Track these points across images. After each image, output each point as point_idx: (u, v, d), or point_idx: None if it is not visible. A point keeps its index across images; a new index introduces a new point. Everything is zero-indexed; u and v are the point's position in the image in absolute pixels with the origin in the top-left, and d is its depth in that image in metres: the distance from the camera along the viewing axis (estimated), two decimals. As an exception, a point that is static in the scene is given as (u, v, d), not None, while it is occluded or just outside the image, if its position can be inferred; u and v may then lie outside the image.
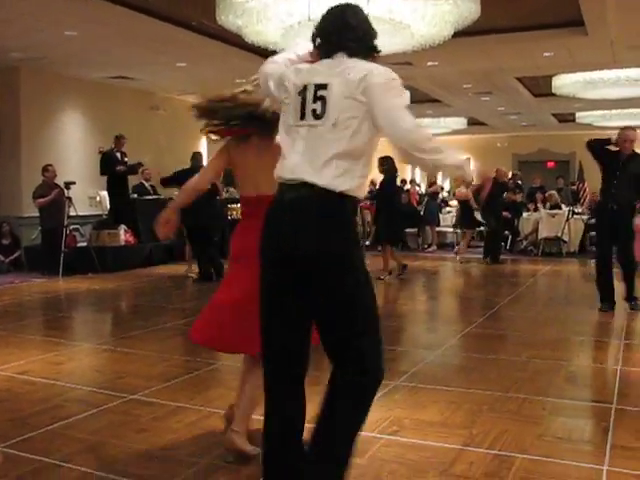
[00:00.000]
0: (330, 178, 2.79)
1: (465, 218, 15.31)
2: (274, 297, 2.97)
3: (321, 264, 2.82)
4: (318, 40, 3.08)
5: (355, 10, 3.11)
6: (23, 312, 9.06)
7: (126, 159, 13.70)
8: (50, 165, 12.62)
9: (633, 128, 8.54)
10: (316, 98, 2.85)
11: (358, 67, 2.88)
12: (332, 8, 3.13)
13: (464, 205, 15.26)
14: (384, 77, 2.86)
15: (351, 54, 2.96)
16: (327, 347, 2.94)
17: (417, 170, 26.86)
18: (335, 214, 2.84)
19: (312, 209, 2.82)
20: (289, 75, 3.01)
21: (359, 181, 2.89)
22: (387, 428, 4.21)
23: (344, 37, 2.99)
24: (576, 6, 9.57)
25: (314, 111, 2.85)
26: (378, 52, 3.07)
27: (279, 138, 3.00)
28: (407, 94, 2.94)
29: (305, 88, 2.88)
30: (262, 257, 2.98)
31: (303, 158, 2.84)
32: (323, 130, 2.83)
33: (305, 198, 2.81)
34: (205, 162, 11.93)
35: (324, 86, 2.84)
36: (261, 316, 3.02)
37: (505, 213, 15.69)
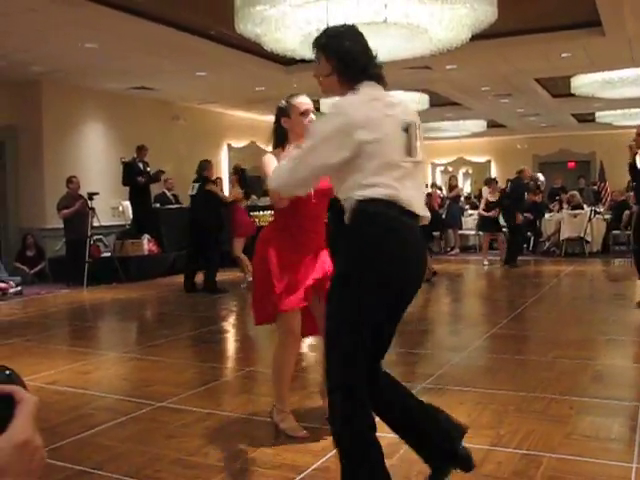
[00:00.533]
0: None
1: (484, 222, 15.19)
2: (390, 319, 3.05)
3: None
4: (353, 64, 3.07)
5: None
6: (49, 323, 9.15)
7: (148, 169, 13.80)
8: (74, 176, 12.76)
9: None
10: (417, 137, 2.97)
11: (407, 104, 3.17)
12: (355, 29, 3.19)
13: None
14: None
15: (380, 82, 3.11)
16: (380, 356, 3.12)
17: (437, 174, 26.87)
18: None
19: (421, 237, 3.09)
20: (378, 109, 2.96)
21: None
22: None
23: (375, 63, 3.16)
24: (593, 6, 9.55)
25: (416, 149, 2.95)
26: None
27: (373, 172, 2.89)
28: None
29: (409, 125, 2.95)
30: (393, 281, 2.94)
31: (415, 193, 2.98)
32: (420, 167, 3.05)
33: (419, 228, 3.02)
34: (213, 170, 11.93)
35: (417, 125, 3.00)
36: (369, 333, 2.96)
37: (527, 214, 15.66)
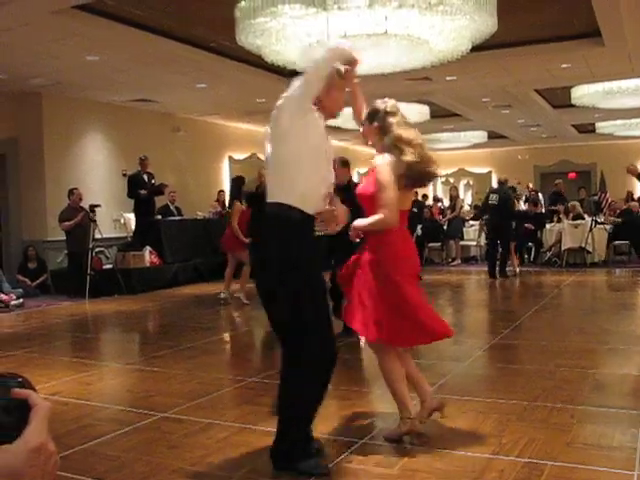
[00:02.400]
0: None
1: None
2: None
3: None
4: None
5: None
6: (52, 334, 9.15)
7: (153, 180, 13.86)
8: (75, 188, 12.80)
9: None
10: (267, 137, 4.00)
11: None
12: None
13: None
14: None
15: None
16: None
17: (438, 185, 26.89)
18: None
19: None
20: None
21: None
22: (417, 439, 4.24)
23: None
24: (592, 18, 9.59)
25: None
26: None
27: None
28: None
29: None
30: None
31: None
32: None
33: None
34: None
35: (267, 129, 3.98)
36: None
37: (528, 225, 15.67)
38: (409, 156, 4.05)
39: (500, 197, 14.02)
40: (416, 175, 4.13)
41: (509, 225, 14.20)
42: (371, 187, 4.12)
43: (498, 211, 14.03)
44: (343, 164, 7.81)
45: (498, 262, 14.01)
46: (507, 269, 14.14)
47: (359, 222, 4.15)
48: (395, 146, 4.10)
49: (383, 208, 4.00)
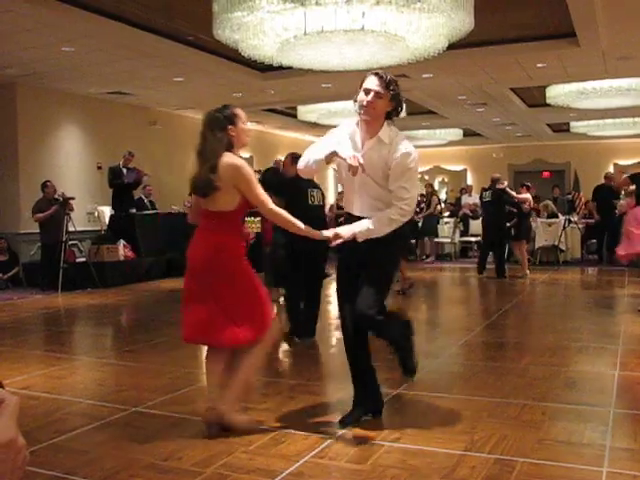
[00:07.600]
0: None
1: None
2: None
3: None
4: None
5: None
6: (23, 328, 9.07)
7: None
8: (49, 181, 12.68)
9: None
10: None
11: None
12: None
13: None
14: None
15: None
16: None
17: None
18: None
19: None
20: None
21: None
22: (389, 435, 4.25)
23: None
24: (568, 18, 9.65)
25: None
26: None
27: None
28: None
29: None
30: None
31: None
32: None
33: None
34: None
35: None
36: None
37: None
38: None
39: (493, 194, 14.01)
40: None
41: (503, 222, 14.03)
42: None
43: (492, 208, 14.03)
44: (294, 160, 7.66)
45: (498, 261, 13.88)
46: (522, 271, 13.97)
47: None
48: None
49: None
